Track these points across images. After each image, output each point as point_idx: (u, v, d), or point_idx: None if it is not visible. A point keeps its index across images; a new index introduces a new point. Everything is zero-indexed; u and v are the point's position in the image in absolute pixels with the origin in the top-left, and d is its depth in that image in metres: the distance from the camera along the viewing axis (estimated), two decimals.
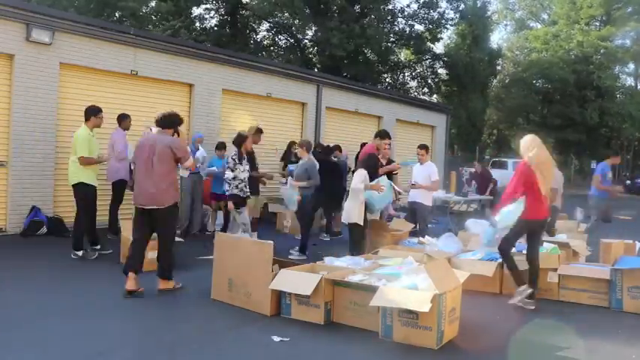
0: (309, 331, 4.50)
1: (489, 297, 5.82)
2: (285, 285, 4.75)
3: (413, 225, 7.84)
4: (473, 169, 14.27)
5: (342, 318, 4.69)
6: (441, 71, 31.05)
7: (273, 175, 9.22)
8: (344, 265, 5.34)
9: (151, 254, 5.84)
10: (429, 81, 30.86)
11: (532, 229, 5.52)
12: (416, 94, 30.57)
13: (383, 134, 8.03)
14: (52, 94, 8.59)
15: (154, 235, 5.59)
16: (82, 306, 4.91)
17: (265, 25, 27.51)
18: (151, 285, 5.74)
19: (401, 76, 30.88)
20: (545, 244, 6.42)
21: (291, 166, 8.80)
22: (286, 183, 9.06)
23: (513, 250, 6.29)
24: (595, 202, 8.74)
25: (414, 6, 28.28)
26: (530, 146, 5.44)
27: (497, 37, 58.89)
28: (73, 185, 6.75)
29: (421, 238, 7.01)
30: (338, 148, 10.39)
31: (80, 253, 6.76)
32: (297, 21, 24.49)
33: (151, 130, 6.08)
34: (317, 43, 25.22)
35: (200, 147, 9.10)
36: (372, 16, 25.45)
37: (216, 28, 25.50)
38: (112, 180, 8.03)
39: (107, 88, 9.42)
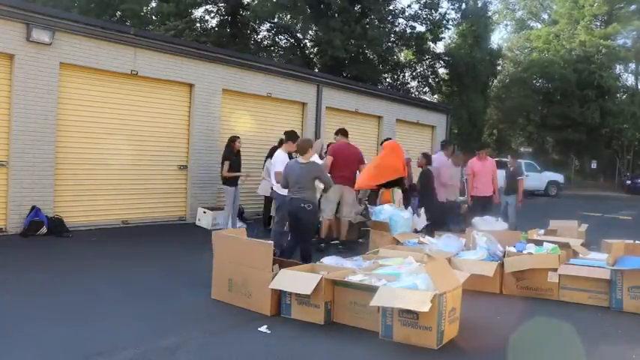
0: (309, 331, 4.50)
1: (489, 297, 5.81)
2: (286, 285, 4.75)
3: None
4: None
5: (342, 318, 4.69)
6: (442, 71, 31.05)
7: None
8: (346, 265, 5.34)
9: None
10: (430, 81, 30.83)
11: None
12: (416, 93, 30.55)
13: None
14: (52, 94, 8.59)
15: None
16: (81, 306, 4.91)
17: (266, 26, 27.51)
18: (152, 284, 5.75)
19: (401, 76, 30.84)
20: (545, 244, 6.43)
21: None
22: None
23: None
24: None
25: (415, 6, 28.23)
26: None
27: (498, 37, 58.91)
28: None
29: (421, 238, 7.02)
30: None
31: None
32: (300, 21, 24.42)
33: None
34: (318, 43, 25.19)
35: None
36: (373, 17, 25.42)
37: (216, 29, 25.50)
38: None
39: (107, 88, 9.42)
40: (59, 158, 8.78)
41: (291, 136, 7.44)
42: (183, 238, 8.92)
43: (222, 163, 9.18)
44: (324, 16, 23.92)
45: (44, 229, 8.24)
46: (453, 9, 28.36)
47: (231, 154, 9.17)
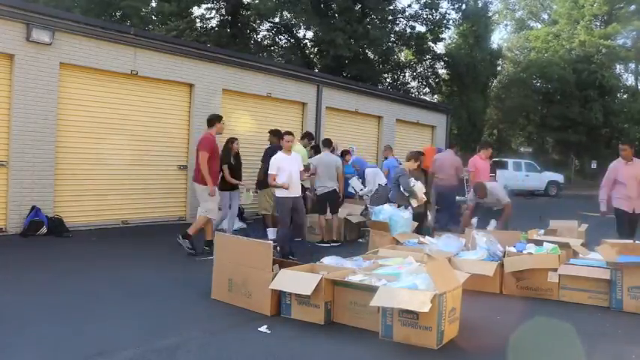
0: (309, 331, 4.50)
1: (489, 297, 5.81)
2: (286, 285, 4.74)
3: None
4: None
5: (342, 318, 4.69)
6: (442, 71, 31.05)
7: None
8: (346, 265, 5.33)
9: None
10: (430, 81, 30.85)
11: None
12: (417, 93, 30.56)
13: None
14: (52, 94, 8.59)
15: None
16: (81, 306, 4.91)
17: (266, 26, 27.53)
18: (151, 285, 5.75)
19: (402, 76, 30.86)
20: (545, 244, 6.42)
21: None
22: None
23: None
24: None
25: (416, 6, 28.22)
26: None
27: (498, 37, 58.97)
28: None
29: (421, 238, 7.02)
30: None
31: None
32: (302, 19, 24.40)
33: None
34: (319, 43, 25.19)
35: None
36: (374, 16, 25.43)
37: (216, 28, 25.51)
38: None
39: (107, 88, 9.43)
40: (59, 158, 8.78)
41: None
42: None
43: (221, 168, 8.31)
44: (325, 16, 23.92)
45: (44, 229, 8.24)
46: (453, 9, 28.37)
47: (229, 156, 8.62)
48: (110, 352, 3.85)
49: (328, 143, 9.29)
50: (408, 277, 4.59)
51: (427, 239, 6.96)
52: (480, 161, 9.75)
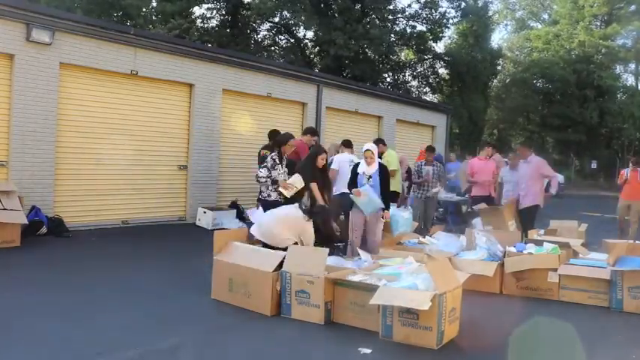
0: (309, 331, 4.50)
1: (489, 297, 5.81)
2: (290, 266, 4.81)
3: None
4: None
5: (342, 318, 4.69)
6: (442, 71, 31.08)
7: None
8: (346, 265, 5.34)
9: None
10: (431, 80, 30.87)
11: None
12: (417, 93, 30.56)
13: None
14: (52, 94, 8.58)
15: None
16: (81, 306, 4.91)
17: (266, 26, 27.54)
18: (151, 284, 5.75)
19: (402, 76, 30.87)
20: (545, 244, 6.43)
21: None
22: None
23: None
24: None
25: (415, 6, 28.26)
26: None
27: (498, 37, 59.00)
28: None
29: (421, 238, 7.02)
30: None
31: None
32: (301, 19, 24.40)
33: None
34: (319, 43, 25.19)
35: None
36: (374, 16, 25.44)
37: (217, 29, 25.52)
38: None
39: (107, 88, 9.42)
40: (59, 158, 8.77)
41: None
42: (183, 238, 8.92)
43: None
44: (325, 16, 23.92)
45: (44, 229, 8.22)
46: (452, 7, 28.40)
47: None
48: (110, 352, 3.85)
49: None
50: (408, 277, 4.59)
51: (427, 239, 6.96)
52: (476, 164, 9.76)
